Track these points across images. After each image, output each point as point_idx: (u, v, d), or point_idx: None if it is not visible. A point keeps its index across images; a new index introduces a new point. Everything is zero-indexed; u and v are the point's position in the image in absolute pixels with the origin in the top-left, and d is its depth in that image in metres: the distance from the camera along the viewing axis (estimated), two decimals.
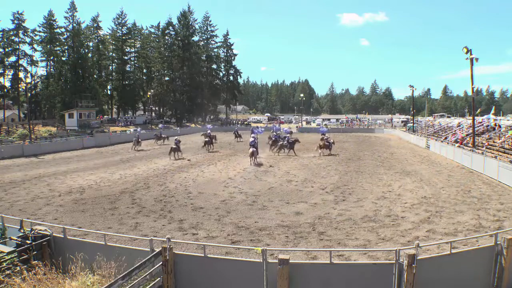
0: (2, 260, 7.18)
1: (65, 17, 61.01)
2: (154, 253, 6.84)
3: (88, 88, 60.83)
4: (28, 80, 61.03)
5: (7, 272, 6.98)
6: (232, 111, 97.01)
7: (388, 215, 12.25)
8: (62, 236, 7.97)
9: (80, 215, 12.59)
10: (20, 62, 59.09)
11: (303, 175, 19.72)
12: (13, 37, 57.58)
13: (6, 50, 57.37)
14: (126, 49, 73.63)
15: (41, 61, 62.23)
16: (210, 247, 8.37)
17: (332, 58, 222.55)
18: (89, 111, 55.13)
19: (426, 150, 32.63)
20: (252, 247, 7.94)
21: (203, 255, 6.95)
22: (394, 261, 6.49)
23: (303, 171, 21.06)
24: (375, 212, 12.63)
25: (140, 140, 35.25)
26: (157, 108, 78.73)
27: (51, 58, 61.91)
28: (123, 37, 71.79)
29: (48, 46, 60.66)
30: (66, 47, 62.38)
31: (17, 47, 58.38)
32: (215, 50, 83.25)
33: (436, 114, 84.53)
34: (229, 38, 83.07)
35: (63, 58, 62.45)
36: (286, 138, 30.02)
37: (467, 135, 29.76)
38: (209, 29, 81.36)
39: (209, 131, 35.88)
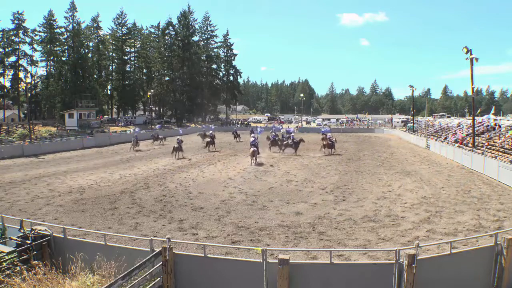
0: (2, 260, 7.18)
1: (65, 17, 61.11)
2: (154, 253, 6.84)
3: (88, 88, 60.83)
4: (28, 80, 61.09)
5: (7, 272, 6.98)
6: (232, 111, 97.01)
7: (388, 215, 12.25)
8: (62, 236, 7.97)
9: (80, 215, 12.59)
10: (20, 62, 59.18)
11: (303, 175, 19.72)
12: (13, 37, 57.55)
13: (6, 50, 57.34)
14: (126, 49, 73.64)
15: (41, 61, 62.36)
16: (210, 247, 8.37)
17: (332, 58, 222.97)
18: (89, 111, 55.10)
19: (426, 150, 32.63)
20: (252, 247, 7.94)
21: (203, 255, 6.95)
22: (394, 261, 6.49)
23: (303, 171, 21.07)
24: (375, 212, 12.63)
25: (138, 140, 35.20)
26: (157, 108, 78.70)
27: (51, 58, 61.90)
28: (123, 37, 71.79)
29: (48, 46, 60.63)
30: (66, 47, 62.35)
31: (17, 47, 58.35)
32: (215, 50, 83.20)
33: (436, 114, 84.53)
34: (229, 38, 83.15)
35: (63, 58, 62.41)
36: (291, 137, 30.10)
37: (467, 135, 29.77)
38: (209, 29, 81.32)
39: (211, 131, 35.85)
